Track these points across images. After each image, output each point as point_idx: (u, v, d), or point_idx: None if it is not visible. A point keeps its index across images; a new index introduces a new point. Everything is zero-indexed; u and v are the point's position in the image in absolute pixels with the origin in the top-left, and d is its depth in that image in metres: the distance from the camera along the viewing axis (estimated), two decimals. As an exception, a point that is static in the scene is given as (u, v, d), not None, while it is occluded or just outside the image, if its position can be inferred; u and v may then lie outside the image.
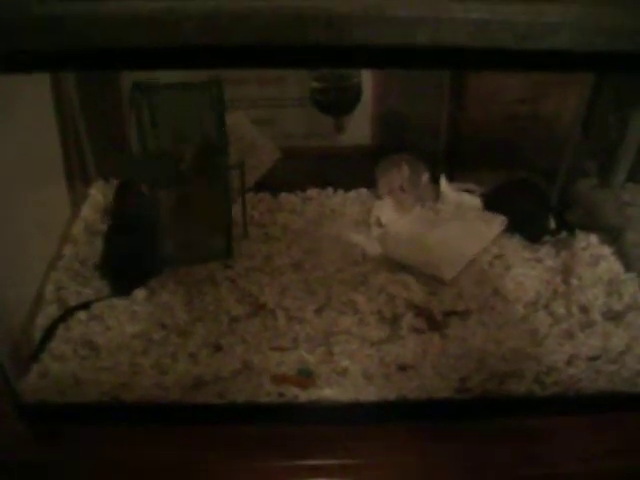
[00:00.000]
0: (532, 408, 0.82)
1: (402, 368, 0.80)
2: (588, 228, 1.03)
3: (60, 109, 1.06)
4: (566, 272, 0.94)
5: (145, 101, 0.85)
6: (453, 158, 1.13)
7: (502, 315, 0.86)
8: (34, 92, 1.01)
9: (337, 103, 0.96)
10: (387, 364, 0.79)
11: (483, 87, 1.07)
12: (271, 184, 1.10)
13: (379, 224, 1.02)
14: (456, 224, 1.01)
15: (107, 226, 0.95)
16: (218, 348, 0.83)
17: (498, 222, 1.02)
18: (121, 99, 1.05)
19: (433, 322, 0.85)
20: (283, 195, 1.11)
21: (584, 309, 0.87)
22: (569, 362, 0.81)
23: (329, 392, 0.79)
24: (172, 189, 0.92)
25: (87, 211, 1.07)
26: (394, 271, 0.93)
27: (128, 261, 0.92)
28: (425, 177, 1.04)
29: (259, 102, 1.09)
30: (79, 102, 1.06)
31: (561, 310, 0.87)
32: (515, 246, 1.00)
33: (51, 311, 0.89)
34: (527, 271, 0.95)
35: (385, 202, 1.04)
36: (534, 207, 1.05)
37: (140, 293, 0.91)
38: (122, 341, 0.84)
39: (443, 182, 1.07)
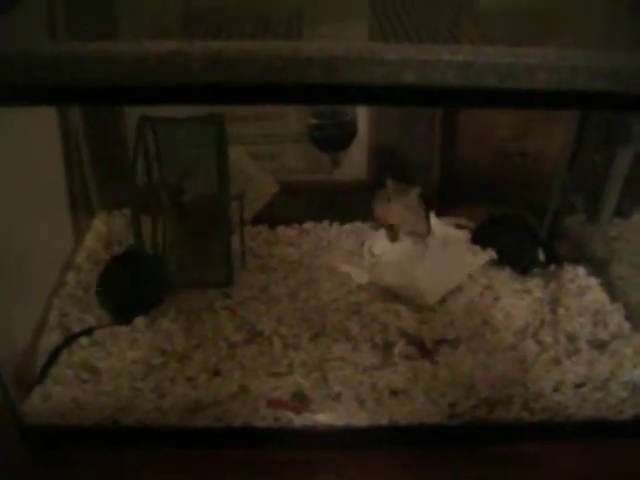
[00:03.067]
0: (521, 434, 0.84)
1: (394, 393, 0.82)
2: (576, 261, 1.06)
3: (66, 141, 1.10)
4: (554, 302, 0.97)
5: (150, 133, 0.89)
6: (446, 192, 1.17)
7: (491, 343, 0.89)
8: (40, 124, 1.05)
9: (333, 139, 1.00)
10: (379, 390, 0.82)
11: (473, 125, 1.12)
12: (269, 217, 1.14)
13: (371, 254, 1.05)
14: (442, 254, 1.04)
15: (109, 258, 0.98)
16: (216, 373, 0.86)
17: (484, 253, 1.05)
18: (126, 132, 1.10)
19: (424, 349, 0.87)
20: (281, 228, 1.15)
21: (571, 337, 0.90)
22: (556, 389, 0.83)
23: (323, 417, 0.81)
24: (174, 219, 0.96)
25: (90, 241, 1.10)
26: (387, 301, 0.97)
27: (129, 293, 0.95)
28: (415, 200, 1.09)
29: (259, 138, 1.14)
30: (84, 135, 1.10)
31: (548, 338, 0.90)
32: (504, 278, 1.03)
33: (54, 336, 0.91)
34: (516, 301, 0.98)
35: (378, 234, 1.08)
36: (523, 240, 1.09)
37: (141, 321, 0.94)
38: (122, 366, 0.87)
39: (432, 218, 1.11)
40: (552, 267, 1.06)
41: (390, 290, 0.98)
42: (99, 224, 1.14)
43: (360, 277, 1.02)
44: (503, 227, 1.10)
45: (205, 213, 0.96)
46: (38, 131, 1.04)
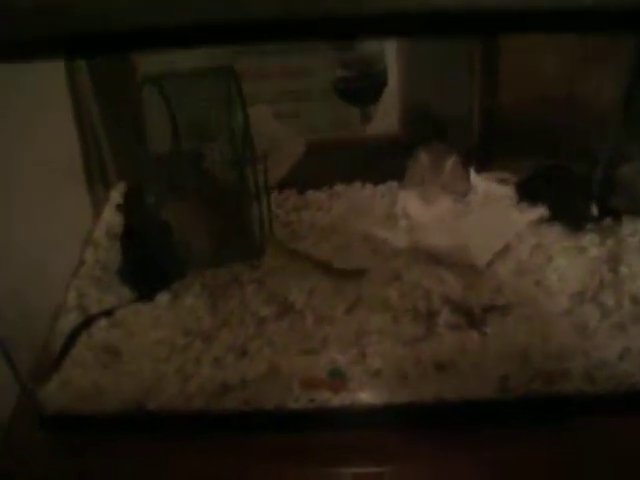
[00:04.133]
0: (583, 407, 0.76)
1: (439, 367, 0.75)
2: (633, 213, 0.96)
3: (78, 111, 1.03)
4: (613, 261, 0.87)
5: (157, 93, 0.81)
6: (487, 145, 1.08)
7: (546, 308, 0.81)
8: (52, 95, 0.99)
9: (362, 91, 0.91)
10: (423, 363, 0.74)
11: (516, 68, 1.01)
12: (297, 181, 1.06)
13: (406, 216, 0.97)
14: (486, 212, 0.96)
15: (122, 231, 0.91)
16: (244, 353, 0.79)
17: (532, 210, 0.96)
18: (139, 95, 1.02)
19: (471, 318, 0.79)
20: (310, 192, 1.07)
21: (636, 300, 0.81)
22: (621, 357, 0.74)
23: (362, 395, 0.74)
24: (193, 189, 0.88)
25: (108, 214, 1.04)
26: (428, 265, 0.88)
27: (148, 265, 0.88)
28: (451, 166, 0.98)
29: (282, 96, 1.06)
30: (97, 103, 1.03)
31: (610, 302, 0.81)
32: (556, 235, 0.94)
33: (72, 318, 0.86)
34: (570, 261, 0.89)
35: (409, 193, 0.99)
36: (574, 193, 1.00)
37: (163, 297, 0.88)
38: (145, 347, 0.81)
39: (472, 173, 1.02)
40: (607, 221, 0.96)
41: (433, 253, 0.89)
42: (117, 196, 1.07)
43: (399, 240, 0.94)
44: (551, 180, 1.00)
45: (227, 179, 0.88)
46: (49, 102, 0.97)
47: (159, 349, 0.81)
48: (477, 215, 0.93)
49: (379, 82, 0.92)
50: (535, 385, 0.74)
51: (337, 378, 0.74)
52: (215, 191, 0.87)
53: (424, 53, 1.01)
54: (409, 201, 0.97)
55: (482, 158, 1.07)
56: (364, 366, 0.75)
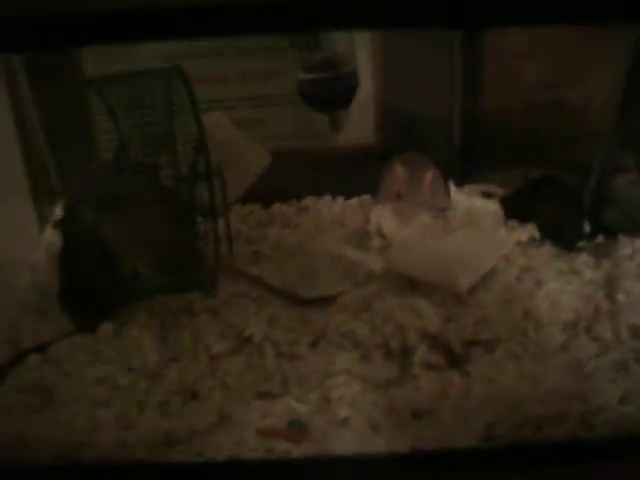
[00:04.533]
0: (576, 454, 0.67)
1: (416, 415, 0.65)
2: (631, 231, 0.87)
3: (20, 118, 0.93)
4: (610, 286, 0.78)
5: (100, 99, 0.71)
6: (469, 155, 0.99)
7: (536, 343, 0.71)
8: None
9: (329, 95, 0.82)
10: (398, 411, 0.65)
11: (501, 70, 0.92)
12: (262, 194, 0.97)
13: (381, 235, 0.87)
14: (469, 231, 0.87)
15: (59, 251, 0.80)
16: (194, 395, 0.69)
17: (521, 229, 0.87)
18: (83, 103, 0.92)
19: (452, 356, 0.70)
20: (276, 206, 0.97)
21: (636, 332, 0.72)
22: (623, 400, 0.65)
23: (328, 446, 0.64)
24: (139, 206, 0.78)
25: (50, 233, 0.93)
26: (402, 293, 0.79)
27: (89, 291, 0.78)
28: (430, 178, 0.89)
29: (244, 102, 0.96)
30: (38, 109, 0.93)
31: (607, 334, 0.72)
32: (546, 256, 0.86)
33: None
34: (563, 286, 0.80)
35: (383, 209, 0.90)
36: (565, 209, 0.91)
37: (106, 328, 0.78)
38: (82, 389, 0.71)
39: (452, 187, 0.93)
40: (599, 239, 0.88)
41: (410, 278, 0.80)
42: (61, 212, 0.97)
43: (372, 262, 0.84)
44: (541, 194, 0.91)
45: (178, 196, 0.78)
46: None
47: (97, 390, 0.71)
48: (458, 235, 0.84)
49: (349, 85, 0.82)
50: (525, 432, 0.65)
51: (297, 429, 0.64)
52: (164, 209, 0.77)
53: (401, 53, 0.92)
54: (383, 218, 0.87)
55: (464, 169, 0.98)
56: (329, 414, 0.65)
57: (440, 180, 0.91)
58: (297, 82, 0.82)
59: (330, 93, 0.82)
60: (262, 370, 0.71)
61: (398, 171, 0.88)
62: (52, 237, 0.92)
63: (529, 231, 0.87)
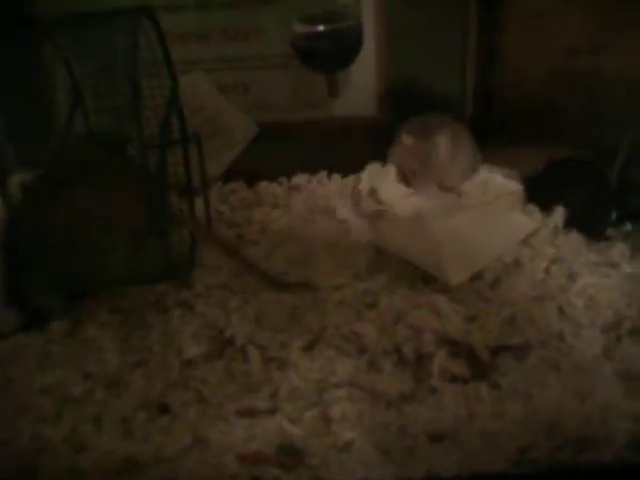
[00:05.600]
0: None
1: (435, 438, 0.53)
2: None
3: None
4: (654, 280, 0.67)
5: (52, 47, 0.58)
6: (482, 131, 0.86)
7: (575, 349, 0.60)
8: None
9: (328, 53, 0.69)
10: (412, 433, 0.53)
11: (524, 35, 0.81)
12: (246, 170, 0.84)
13: (376, 199, 0.74)
14: (480, 212, 0.74)
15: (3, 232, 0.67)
16: (163, 409, 0.57)
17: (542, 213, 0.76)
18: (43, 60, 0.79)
19: (477, 364, 0.58)
20: (263, 184, 0.86)
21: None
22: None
23: (326, 474, 0.52)
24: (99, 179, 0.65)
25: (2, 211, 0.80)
26: (414, 286, 0.67)
27: (39, 280, 0.65)
28: (444, 151, 0.76)
29: (228, 63, 0.83)
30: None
31: (656, 336, 0.61)
32: (576, 245, 0.74)
33: None
34: (599, 280, 0.68)
35: (388, 172, 0.76)
36: (593, 193, 0.80)
37: (59, 326, 0.65)
38: (26, 399, 0.58)
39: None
40: (627, 226, 0.78)
41: (396, 256, 0.68)
42: (15, 188, 0.83)
43: (359, 231, 0.73)
44: (567, 176, 0.80)
45: (146, 167, 0.65)
46: None
47: (45, 402, 0.58)
48: (466, 215, 0.71)
49: (352, 42, 0.70)
50: (563, 455, 0.54)
51: (289, 454, 0.52)
52: (129, 185, 0.64)
53: (409, 11, 0.80)
54: (385, 179, 0.74)
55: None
56: (329, 436, 0.53)
57: (466, 150, 0.78)
58: (292, 35, 0.70)
59: (330, 49, 0.69)
60: (246, 380, 0.58)
61: (410, 144, 0.74)
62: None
63: (555, 217, 0.75)
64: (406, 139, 0.74)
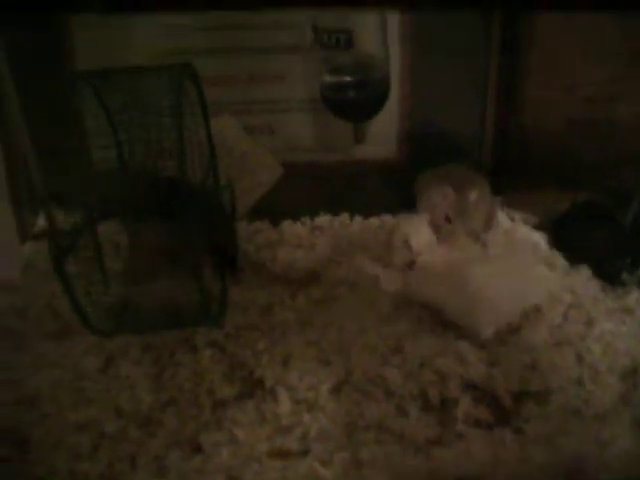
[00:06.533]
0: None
1: (463, 483, 0.55)
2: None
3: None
4: (668, 328, 0.69)
5: (92, 95, 0.60)
6: (501, 176, 0.88)
7: (595, 395, 0.62)
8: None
9: (358, 103, 0.71)
10: (442, 478, 0.54)
11: (543, 83, 0.83)
12: (271, 210, 0.86)
13: (407, 247, 0.75)
14: (509, 264, 0.75)
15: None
16: (196, 448, 0.59)
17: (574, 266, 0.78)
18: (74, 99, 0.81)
19: (501, 410, 0.60)
20: (286, 224, 0.87)
21: None
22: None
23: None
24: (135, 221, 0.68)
25: (30, 248, 0.82)
26: (435, 331, 0.69)
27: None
28: (476, 199, 0.78)
29: (253, 106, 0.86)
30: (23, 114, 0.82)
31: (673, 386, 0.63)
32: (593, 291, 0.76)
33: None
34: (616, 327, 0.70)
35: (420, 221, 0.78)
36: (609, 238, 0.81)
37: (91, 363, 0.67)
38: (62, 435, 0.60)
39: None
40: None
41: (429, 306, 0.70)
42: (44, 223, 0.86)
43: (389, 282, 0.74)
44: (586, 220, 0.82)
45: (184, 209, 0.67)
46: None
47: (81, 439, 0.60)
48: (494, 266, 0.73)
49: (380, 93, 0.72)
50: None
51: (322, 497, 0.54)
52: (162, 224, 0.66)
53: (433, 59, 0.82)
54: (414, 228, 0.76)
55: (495, 189, 0.88)
56: (359, 479, 0.55)
57: (486, 199, 0.80)
58: (321, 85, 0.72)
59: (359, 100, 0.71)
60: (276, 420, 0.60)
61: (447, 192, 0.76)
62: (31, 252, 0.81)
63: (583, 272, 0.77)
64: (446, 189, 0.76)
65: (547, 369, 0.64)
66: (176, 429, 0.60)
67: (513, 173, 0.88)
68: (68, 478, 0.57)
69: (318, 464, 0.55)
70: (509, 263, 0.74)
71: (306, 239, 0.84)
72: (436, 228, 0.76)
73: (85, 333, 0.70)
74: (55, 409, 0.63)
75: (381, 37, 0.70)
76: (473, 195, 0.78)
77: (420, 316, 0.70)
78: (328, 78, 0.72)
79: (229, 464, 0.56)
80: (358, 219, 0.87)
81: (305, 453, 0.56)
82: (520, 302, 0.71)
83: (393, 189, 0.87)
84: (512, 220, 0.85)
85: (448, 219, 0.76)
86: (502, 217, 0.84)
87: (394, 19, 0.78)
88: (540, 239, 0.80)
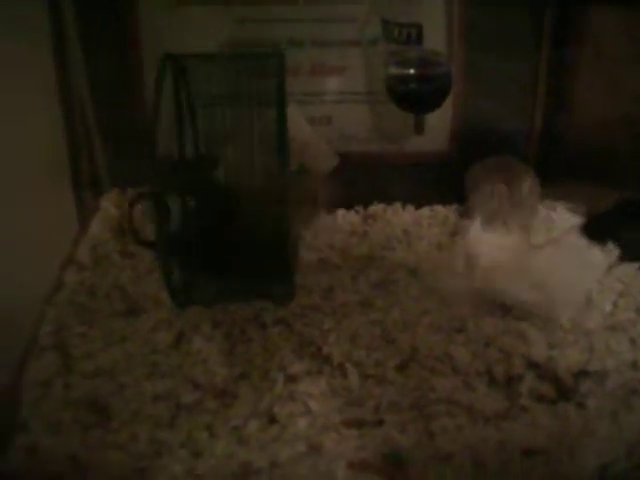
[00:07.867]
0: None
1: (528, 453, 0.58)
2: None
3: (67, 99, 0.85)
4: None
5: (179, 78, 0.63)
6: (546, 170, 0.91)
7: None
8: (36, 79, 0.80)
9: (422, 96, 0.74)
10: (508, 449, 0.57)
11: (593, 79, 0.85)
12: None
13: (472, 255, 0.77)
14: (561, 250, 0.78)
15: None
16: (272, 419, 0.61)
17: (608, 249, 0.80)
18: (144, 82, 0.84)
19: (561, 387, 0.63)
20: (340, 212, 0.89)
21: None
22: None
23: (425, 484, 0.57)
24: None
25: (97, 228, 0.86)
26: (493, 313, 0.71)
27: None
28: (527, 191, 0.81)
29: (312, 97, 0.88)
30: (90, 90, 0.85)
31: None
32: (638, 279, 0.78)
33: (47, 361, 0.67)
34: (663, 312, 0.73)
35: (474, 224, 0.79)
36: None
37: (162, 337, 0.70)
38: (141, 405, 0.63)
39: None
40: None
41: (507, 304, 0.72)
42: (108, 206, 0.89)
43: (461, 286, 0.75)
44: (628, 217, 0.85)
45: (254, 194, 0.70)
46: (33, 87, 0.79)
47: (159, 409, 0.63)
48: (550, 254, 0.75)
49: (443, 86, 0.75)
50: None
51: (395, 464, 0.57)
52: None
53: (485, 54, 0.85)
54: (471, 233, 0.78)
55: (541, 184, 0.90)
56: (431, 448, 0.58)
57: (535, 190, 0.83)
58: (386, 77, 0.75)
59: (423, 92, 0.74)
60: (348, 394, 0.63)
61: (499, 188, 0.79)
62: (99, 232, 0.85)
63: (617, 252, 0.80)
64: (499, 185, 0.79)
65: (603, 352, 0.67)
66: (251, 401, 0.63)
67: (558, 168, 0.90)
68: (150, 447, 0.59)
69: (395, 431, 0.57)
70: (562, 250, 0.77)
71: (359, 226, 0.87)
72: (489, 222, 0.79)
73: (152, 311, 0.74)
74: (131, 381, 0.65)
75: (446, 33, 0.73)
76: (525, 187, 0.81)
77: (475, 301, 0.73)
78: (394, 70, 0.75)
79: (306, 433, 0.59)
80: (410, 208, 0.90)
81: (379, 423, 0.59)
82: (584, 283, 0.74)
83: (444, 180, 0.89)
84: (554, 210, 0.87)
85: (497, 213, 0.78)
86: (547, 207, 0.86)
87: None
88: (579, 221, 0.83)
